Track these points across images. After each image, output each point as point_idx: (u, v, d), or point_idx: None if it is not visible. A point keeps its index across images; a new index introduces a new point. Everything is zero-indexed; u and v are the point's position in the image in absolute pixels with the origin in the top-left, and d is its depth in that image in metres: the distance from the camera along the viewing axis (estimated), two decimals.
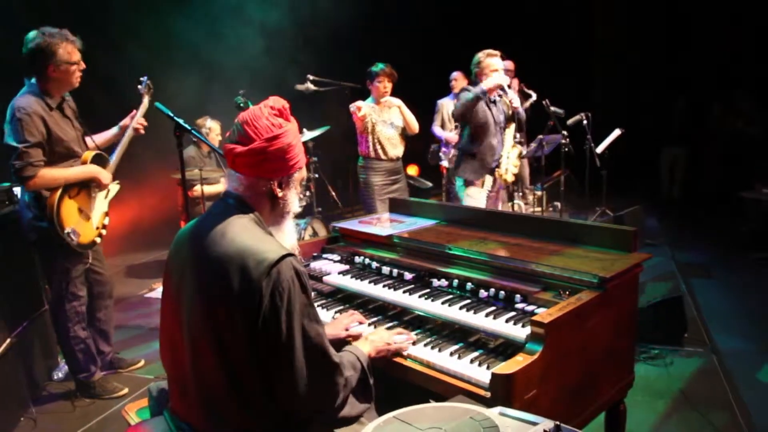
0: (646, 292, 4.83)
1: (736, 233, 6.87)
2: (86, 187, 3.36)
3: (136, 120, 3.58)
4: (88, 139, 3.50)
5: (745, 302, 4.95)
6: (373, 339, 1.98)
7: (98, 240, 3.44)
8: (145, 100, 3.66)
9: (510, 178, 4.48)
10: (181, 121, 2.89)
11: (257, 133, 1.65)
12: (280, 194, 1.72)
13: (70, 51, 3.16)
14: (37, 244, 3.32)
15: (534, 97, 6.62)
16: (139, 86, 3.70)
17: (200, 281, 1.64)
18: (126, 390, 3.62)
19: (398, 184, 4.85)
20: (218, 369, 1.60)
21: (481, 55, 4.36)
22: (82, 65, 3.26)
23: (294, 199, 1.78)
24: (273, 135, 1.65)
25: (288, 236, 1.80)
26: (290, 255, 1.61)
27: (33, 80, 3.21)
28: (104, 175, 3.37)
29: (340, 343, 2.03)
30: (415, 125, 4.78)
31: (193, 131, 2.89)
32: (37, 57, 3.11)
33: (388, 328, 2.21)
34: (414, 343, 2.09)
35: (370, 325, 2.27)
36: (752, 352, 3.98)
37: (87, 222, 3.36)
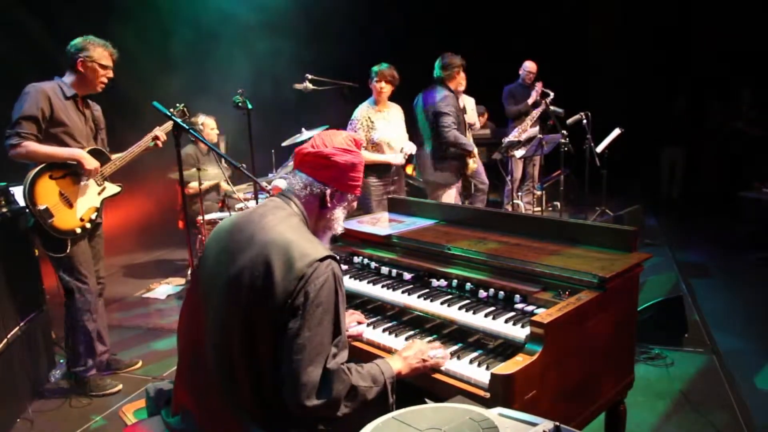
0: (646, 292, 4.82)
1: (735, 233, 6.87)
2: (76, 174, 3.40)
3: (156, 131, 3.63)
4: (113, 155, 3.60)
5: (745, 302, 4.94)
6: (407, 355, 1.90)
7: (79, 231, 3.41)
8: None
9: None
10: (179, 120, 2.88)
11: (331, 143, 1.80)
12: (329, 203, 1.82)
13: (103, 55, 3.40)
14: (33, 230, 3.37)
15: (552, 95, 6.64)
16: (172, 110, 3.75)
17: (241, 263, 1.66)
18: (120, 387, 3.62)
19: (395, 185, 4.78)
20: (244, 367, 1.62)
21: (454, 59, 4.74)
22: (110, 74, 3.46)
23: (340, 218, 1.87)
24: (345, 148, 1.80)
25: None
26: (334, 258, 1.67)
27: (63, 78, 3.40)
28: (89, 160, 3.37)
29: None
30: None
31: (191, 131, 2.88)
32: (72, 50, 3.35)
33: (387, 329, 2.21)
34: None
35: (368, 325, 2.26)
36: (752, 352, 3.97)
37: (68, 208, 3.37)
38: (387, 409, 1.80)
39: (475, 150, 4.87)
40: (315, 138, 1.84)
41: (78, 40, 3.38)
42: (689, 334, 4.06)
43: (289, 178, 1.86)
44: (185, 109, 3.96)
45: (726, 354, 3.91)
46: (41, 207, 3.22)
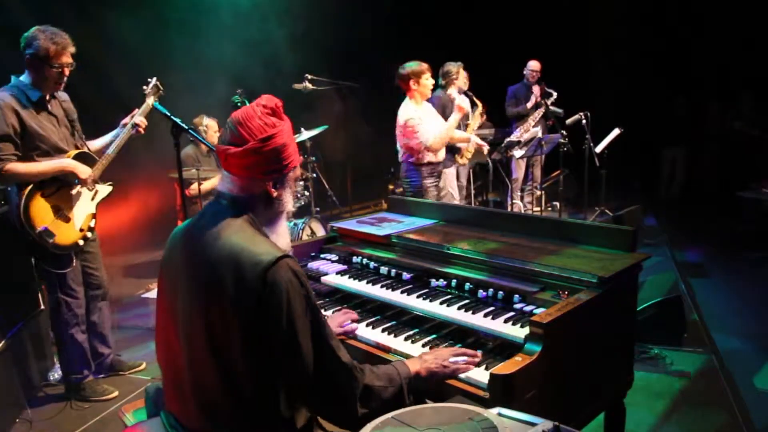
0: (646, 292, 4.82)
1: (734, 233, 6.87)
2: (67, 185, 3.29)
3: (136, 118, 3.48)
4: (89, 143, 3.48)
5: (744, 302, 4.94)
6: (426, 358, 1.86)
7: (81, 242, 3.36)
8: (149, 101, 3.55)
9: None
10: (178, 120, 2.87)
11: (251, 133, 1.61)
12: (275, 194, 1.70)
13: (53, 50, 3.08)
14: (31, 250, 3.28)
15: (555, 95, 6.65)
16: (145, 86, 3.62)
17: (195, 284, 1.62)
18: (116, 393, 3.59)
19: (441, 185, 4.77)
20: (213, 370, 1.58)
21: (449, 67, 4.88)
22: (66, 70, 3.18)
23: (289, 199, 1.75)
24: (267, 135, 1.61)
25: (282, 237, 1.77)
26: (286, 256, 1.58)
27: (21, 77, 3.18)
28: (81, 169, 3.26)
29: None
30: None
31: (190, 130, 2.87)
32: (22, 45, 3.09)
33: (386, 329, 2.21)
34: (413, 343, 2.08)
35: (368, 325, 2.25)
36: (751, 352, 3.97)
37: (66, 223, 3.28)
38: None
39: (466, 145, 5.01)
40: (232, 130, 1.63)
41: (27, 33, 3.07)
42: (688, 334, 4.06)
43: (222, 179, 1.71)
44: (159, 83, 3.63)
45: (725, 354, 3.91)
46: (40, 229, 3.12)
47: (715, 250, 6.32)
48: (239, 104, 4.63)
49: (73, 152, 3.32)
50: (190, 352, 1.63)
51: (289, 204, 1.76)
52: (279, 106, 1.70)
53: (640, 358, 3.76)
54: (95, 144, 3.57)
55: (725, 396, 3.38)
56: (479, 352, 1.93)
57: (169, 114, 2.86)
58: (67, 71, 3.19)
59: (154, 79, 3.64)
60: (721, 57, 8.92)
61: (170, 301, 1.71)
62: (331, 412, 1.68)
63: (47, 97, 3.24)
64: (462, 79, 5.79)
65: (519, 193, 7.30)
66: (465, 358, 1.89)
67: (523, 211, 6.69)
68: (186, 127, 2.83)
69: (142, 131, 3.52)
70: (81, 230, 3.37)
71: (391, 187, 7.19)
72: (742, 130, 8.26)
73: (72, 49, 3.18)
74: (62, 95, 3.41)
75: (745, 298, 5.04)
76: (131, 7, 6.24)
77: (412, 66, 4.50)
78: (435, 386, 1.85)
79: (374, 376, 1.68)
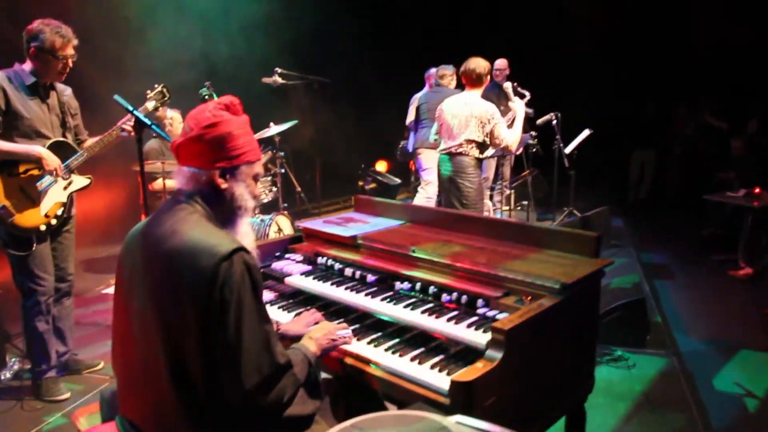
0: (610, 294, 4.87)
1: (699, 235, 7.02)
2: (41, 168, 3.26)
3: (126, 123, 3.44)
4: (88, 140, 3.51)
5: (706, 303, 5.05)
6: (317, 337, 1.95)
7: (43, 228, 3.30)
8: (148, 105, 3.54)
9: None
10: (140, 115, 2.79)
11: (197, 124, 1.64)
12: (224, 186, 1.67)
13: (58, 43, 3.18)
14: None
15: (528, 96, 6.65)
16: (149, 91, 3.59)
17: (152, 281, 1.60)
18: (68, 395, 3.47)
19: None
20: (168, 372, 1.55)
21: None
22: (69, 63, 3.27)
23: (244, 194, 1.72)
24: (210, 123, 1.64)
25: (244, 236, 1.74)
26: (242, 249, 1.57)
27: (23, 65, 3.26)
28: (49, 159, 3.23)
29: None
30: None
31: (152, 126, 2.78)
32: (26, 36, 3.20)
33: (353, 332, 2.17)
34: (376, 347, 2.06)
35: None
36: (712, 353, 4.06)
37: (31, 205, 3.25)
38: (318, 388, 1.82)
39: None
40: (184, 124, 1.69)
41: (33, 25, 3.19)
42: (651, 335, 4.13)
43: (177, 175, 1.73)
44: (165, 90, 3.60)
45: (686, 355, 3.98)
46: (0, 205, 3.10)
47: (681, 253, 6.44)
48: (207, 97, 4.51)
49: (52, 140, 3.33)
50: (145, 353, 1.60)
51: (247, 200, 1.73)
52: (235, 103, 1.72)
53: (603, 360, 3.80)
54: (90, 141, 3.56)
55: (685, 398, 3.43)
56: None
57: (130, 108, 2.77)
58: (70, 62, 3.29)
59: (161, 85, 3.61)
60: (690, 60, 9.10)
61: (126, 302, 1.68)
62: (263, 406, 1.63)
63: (46, 85, 3.32)
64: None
65: (488, 192, 7.32)
66: (349, 332, 2.06)
67: (492, 210, 6.69)
68: (148, 122, 2.74)
69: (133, 134, 3.37)
70: (46, 216, 3.32)
71: (361, 183, 7.15)
72: (712, 123, 8.45)
73: (75, 42, 3.28)
74: (65, 89, 3.50)
75: (709, 300, 5.14)
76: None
77: (483, 61, 4.53)
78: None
79: (298, 368, 1.72)
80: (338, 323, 2.15)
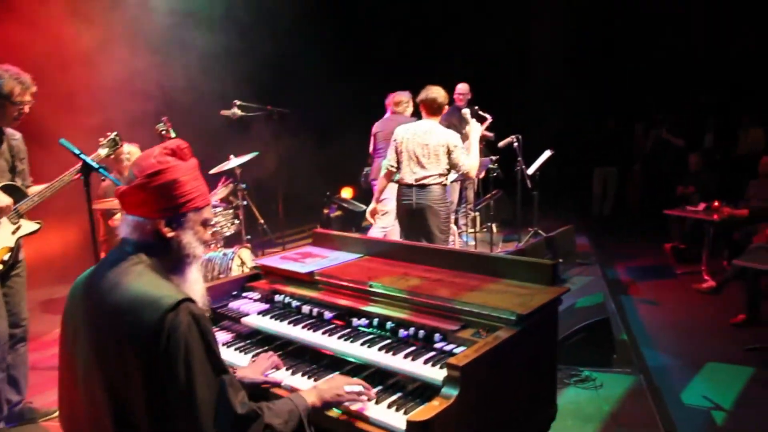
0: (575, 314, 4.89)
1: (661, 250, 7.14)
2: None
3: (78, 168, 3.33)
4: (33, 187, 3.43)
5: (672, 317, 5.12)
6: (322, 388, 1.85)
7: None
8: (101, 152, 3.51)
9: None
10: (87, 159, 2.73)
11: (141, 172, 1.59)
12: (170, 234, 1.62)
13: (17, 90, 3.19)
14: None
15: (490, 119, 6.69)
16: (102, 138, 3.56)
17: (95, 336, 1.54)
18: None
19: None
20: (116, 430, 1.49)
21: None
22: (25, 109, 3.27)
23: (192, 242, 1.66)
24: (154, 170, 1.58)
25: (193, 283, 1.69)
26: (187, 300, 1.52)
27: None
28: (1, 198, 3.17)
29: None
30: None
31: (100, 170, 2.73)
32: None
33: (306, 373, 2.13)
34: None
35: (288, 368, 2.17)
36: (679, 368, 4.11)
37: None
38: None
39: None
40: (128, 171, 1.64)
41: None
42: (618, 354, 4.15)
43: (122, 223, 1.67)
44: (117, 137, 3.62)
45: (654, 370, 4.02)
46: None
47: (645, 268, 6.54)
48: (164, 132, 4.47)
49: (1, 183, 3.26)
50: (92, 414, 1.54)
51: (195, 248, 1.68)
52: (182, 147, 1.67)
53: (570, 382, 3.81)
54: (36, 188, 3.46)
55: (653, 415, 3.44)
56: (374, 391, 1.93)
57: (77, 152, 2.71)
58: (26, 109, 3.29)
59: (114, 133, 3.61)
60: (646, 79, 9.37)
61: (70, 360, 1.62)
62: None
63: None
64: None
65: (453, 216, 7.35)
66: (360, 388, 1.89)
67: (457, 234, 6.71)
68: (96, 166, 2.69)
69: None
70: None
71: (326, 211, 7.12)
72: (669, 139, 8.69)
73: (34, 89, 3.29)
74: (14, 133, 3.44)
75: (674, 314, 5.22)
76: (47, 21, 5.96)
77: (443, 91, 4.52)
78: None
79: (273, 414, 1.64)
80: (346, 378, 1.98)
